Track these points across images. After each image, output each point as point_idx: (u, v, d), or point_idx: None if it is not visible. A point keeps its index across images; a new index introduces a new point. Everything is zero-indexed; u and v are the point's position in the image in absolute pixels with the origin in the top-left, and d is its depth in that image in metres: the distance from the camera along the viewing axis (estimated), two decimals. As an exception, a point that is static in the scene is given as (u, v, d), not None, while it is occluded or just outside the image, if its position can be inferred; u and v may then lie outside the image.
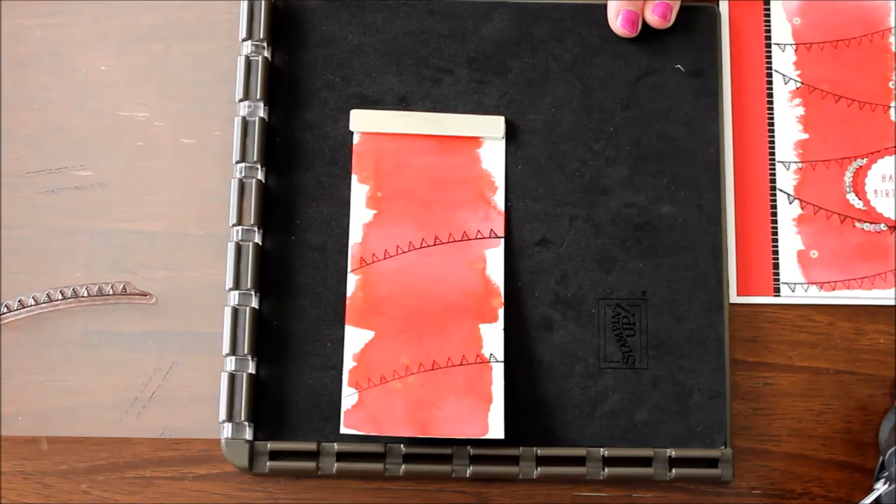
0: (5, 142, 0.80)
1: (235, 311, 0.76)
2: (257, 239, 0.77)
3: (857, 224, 0.80)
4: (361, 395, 0.75)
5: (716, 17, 0.81)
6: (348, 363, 0.76)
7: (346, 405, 0.75)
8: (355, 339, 0.76)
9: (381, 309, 0.77)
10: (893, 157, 0.80)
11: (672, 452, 0.76)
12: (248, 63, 0.79)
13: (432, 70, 0.80)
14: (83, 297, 0.78)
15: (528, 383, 0.76)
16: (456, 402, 0.76)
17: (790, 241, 0.80)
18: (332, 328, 0.77)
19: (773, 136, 0.81)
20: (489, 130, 0.79)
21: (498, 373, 0.76)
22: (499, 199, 0.78)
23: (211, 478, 0.77)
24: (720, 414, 0.76)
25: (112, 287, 0.77)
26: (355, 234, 0.78)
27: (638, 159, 0.79)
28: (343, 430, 0.75)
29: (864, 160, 0.80)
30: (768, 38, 0.82)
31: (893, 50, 0.82)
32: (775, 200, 0.80)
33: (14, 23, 0.82)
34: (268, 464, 0.75)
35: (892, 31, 0.82)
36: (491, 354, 0.76)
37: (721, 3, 0.82)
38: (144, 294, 0.77)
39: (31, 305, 0.78)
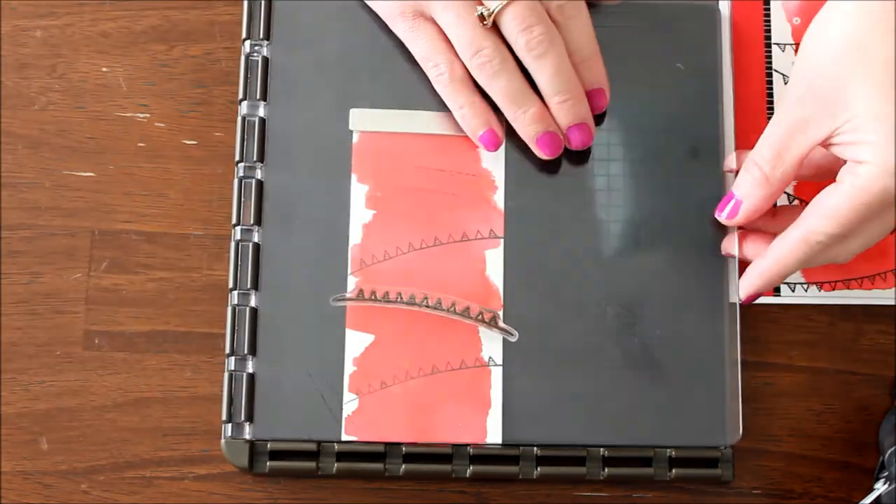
0: (5, 142, 0.81)
1: (235, 311, 0.76)
2: (257, 239, 0.77)
3: (858, 224, 0.80)
4: (362, 401, 0.75)
5: (716, 16, 0.81)
6: (349, 368, 0.76)
7: (346, 411, 0.75)
8: (356, 343, 0.76)
9: (381, 311, 0.76)
10: (893, 156, 0.80)
11: (672, 452, 0.75)
12: (248, 63, 0.79)
13: (432, 70, 0.80)
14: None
15: (527, 384, 0.76)
16: (455, 407, 0.75)
17: (790, 241, 0.79)
18: (333, 328, 0.77)
19: (773, 136, 0.81)
20: (489, 130, 0.79)
21: (497, 377, 0.76)
22: (499, 199, 0.78)
23: (211, 478, 0.77)
24: (720, 414, 0.76)
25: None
26: (355, 235, 0.77)
27: (638, 159, 0.79)
28: (344, 437, 0.75)
29: (864, 160, 0.80)
30: (768, 38, 0.82)
31: (893, 50, 0.82)
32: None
33: (14, 24, 0.82)
34: (268, 464, 0.75)
35: (892, 31, 0.82)
36: (490, 358, 0.76)
37: (721, 2, 0.82)
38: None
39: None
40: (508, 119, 0.75)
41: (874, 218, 0.68)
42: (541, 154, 0.76)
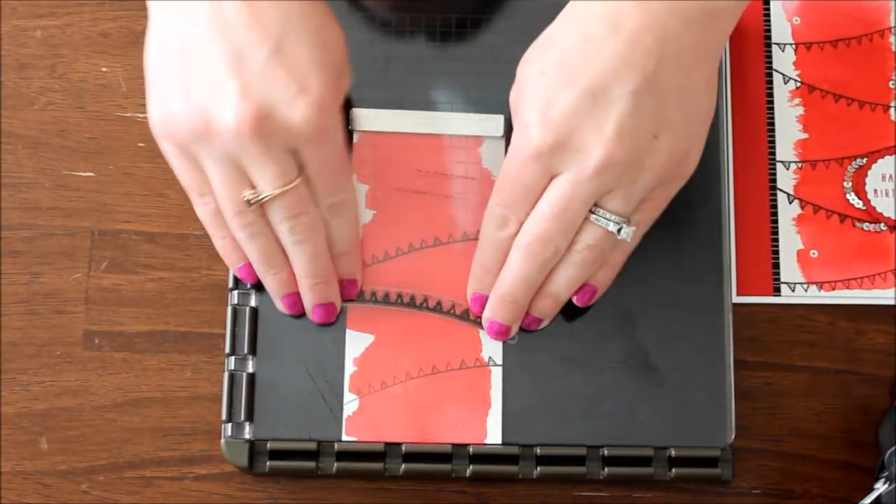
0: (5, 142, 0.81)
1: (235, 311, 0.76)
2: (257, 239, 0.77)
3: (857, 224, 0.80)
4: (362, 402, 0.75)
5: (716, 16, 0.81)
6: (349, 368, 0.76)
7: (347, 412, 0.75)
8: (356, 343, 0.76)
9: (381, 312, 0.76)
10: (893, 157, 0.80)
11: (672, 452, 0.75)
12: (248, 63, 0.79)
13: (431, 69, 0.80)
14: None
15: (527, 384, 0.76)
16: (455, 407, 0.75)
17: (790, 241, 0.80)
18: (333, 328, 0.77)
19: (772, 136, 0.81)
20: (489, 129, 0.79)
21: (497, 377, 0.76)
22: (499, 199, 0.78)
23: (211, 478, 0.77)
24: (720, 414, 0.76)
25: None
26: (355, 235, 0.78)
27: (638, 159, 0.79)
28: (344, 437, 0.75)
29: (864, 160, 0.80)
30: (768, 37, 0.82)
31: (893, 50, 0.82)
32: (775, 200, 0.80)
33: (14, 24, 0.82)
34: (268, 464, 0.75)
35: (892, 31, 0.82)
36: (490, 358, 0.76)
37: (721, 2, 0.82)
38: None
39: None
40: (259, 276, 0.74)
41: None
42: (284, 310, 0.75)
